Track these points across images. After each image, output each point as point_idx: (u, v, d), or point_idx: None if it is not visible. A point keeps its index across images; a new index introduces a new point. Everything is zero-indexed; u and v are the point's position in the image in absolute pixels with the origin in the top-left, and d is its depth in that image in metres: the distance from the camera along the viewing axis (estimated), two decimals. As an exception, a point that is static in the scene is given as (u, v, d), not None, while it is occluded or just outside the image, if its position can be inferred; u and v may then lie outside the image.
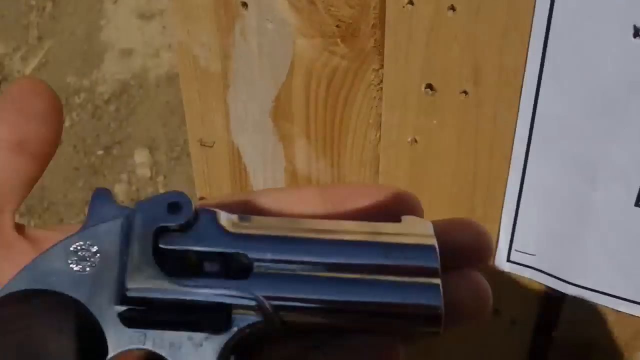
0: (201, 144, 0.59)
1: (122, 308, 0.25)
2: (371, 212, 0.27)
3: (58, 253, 0.26)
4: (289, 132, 0.51)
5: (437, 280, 0.25)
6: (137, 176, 1.64)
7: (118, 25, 1.77)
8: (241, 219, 0.27)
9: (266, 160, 0.55)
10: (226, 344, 0.25)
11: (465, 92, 0.43)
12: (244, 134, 0.55)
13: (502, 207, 0.48)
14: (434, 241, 0.26)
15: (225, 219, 0.27)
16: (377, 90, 0.45)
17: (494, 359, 0.55)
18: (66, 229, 0.28)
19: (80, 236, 0.27)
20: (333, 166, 0.51)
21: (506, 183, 0.47)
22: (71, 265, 0.26)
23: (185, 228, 0.26)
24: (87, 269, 0.26)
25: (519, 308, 0.55)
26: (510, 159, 0.46)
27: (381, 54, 0.43)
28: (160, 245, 0.26)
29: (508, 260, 0.51)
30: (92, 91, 1.69)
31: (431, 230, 0.26)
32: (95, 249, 0.27)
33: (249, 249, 0.26)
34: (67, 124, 1.65)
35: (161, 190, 1.55)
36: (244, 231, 0.26)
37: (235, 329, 0.25)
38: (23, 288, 0.26)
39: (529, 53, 0.41)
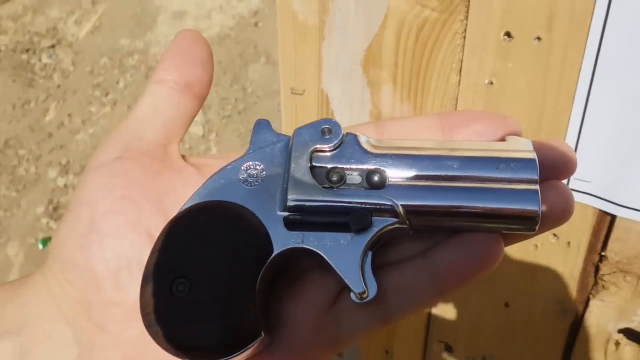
0: (292, 92, 0.67)
1: (285, 214, 0.32)
2: (481, 133, 0.34)
3: (231, 172, 0.34)
4: (377, 78, 0.59)
5: (536, 187, 0.31)
6: (190, 134, 1.73)
7: (169, -11, 1.84)
8: (377, 141, 0.34)
9: (353, 105, 0.63)
10: (368, 241, 0.32)
11: (539, 38, 0.50)
12: (334, 81, 0.63)
13: (564, 139, 0.56)
14: (534, 155, 0.32)
15: (364, 141, 0.33)
16: (461, 39, 0.53)
17: (553, 277, 0.63)
18: (223, 157, 0.35)
19: (250, 157, 0.34)
20: (416, 108, 0.59)
21: (569, 118, 0.55)
22: (242, 182, 0.33)
23: (334, 149, 0.33)
24: (255, 184, 0.33)
25: (574, 232, 0.63)
26: (574, 97, 0.54)
27: (467, 6, 0.51)
28: (314, 164, 0.33)
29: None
30: (146, 53, 1.77)
31: (531, 147, 0.32)
32: (261, 167, 0.34)
33: (385, 165, 0.33)
34: (121, 84, 1.73)
35: (214, 149, 1.65)
36: (381, 151, 0.33)
37: (375, 229, 0.32)
38: (203, 200, 0.33)
39: None
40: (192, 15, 1.83)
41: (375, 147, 0.33)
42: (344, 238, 0.32)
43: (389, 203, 0.32)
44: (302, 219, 0.32)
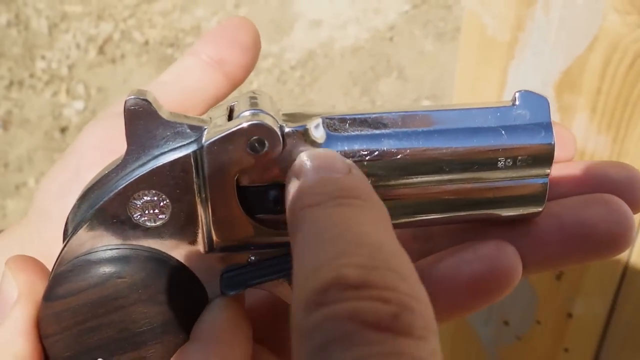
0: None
1: (215, 255, 0.24)
2: None
3: (117, 206, 0.24)
4: (572, 104, 0.53)
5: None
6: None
7: (311, -3, 1.87)
8: (341, 121, 0.24)
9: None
10: None
11: None
12: (516, 103, 0.58)
13: None
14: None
15: (318, 135, 0.24)
16: (690, 70, 0.46)
17: None
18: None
19: (140, 183, 0.23)
20: (615, 142, 0.52)
21: None
22: (141, 219, 0.24)
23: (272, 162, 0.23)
24: (160, 220, 0.24)
25: None
26: None
27: None
28: (243, 184, 0.24)
29: None
30: (280, 57, 1.80)
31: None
32: (164, 198, 0.24)
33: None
34: (254, 85, 1.78)
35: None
36: (344, 146, 0.24)
37: None
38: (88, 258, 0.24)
39: None
40: (328, 24, 1.83)
41: (336, 133, 0.24)
42: None
43: None
44: (239, 270, 0.25)
